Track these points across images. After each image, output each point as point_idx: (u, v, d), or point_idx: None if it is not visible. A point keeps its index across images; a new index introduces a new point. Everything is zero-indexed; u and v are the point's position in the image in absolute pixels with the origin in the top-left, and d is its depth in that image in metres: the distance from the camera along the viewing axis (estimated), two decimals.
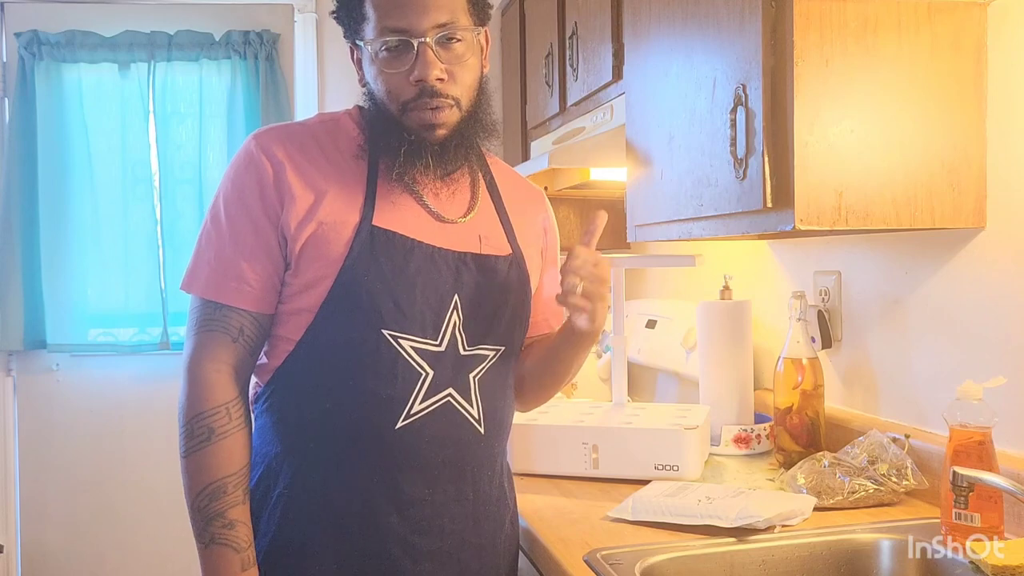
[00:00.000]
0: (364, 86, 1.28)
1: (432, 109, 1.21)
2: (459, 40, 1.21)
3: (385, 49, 1.20)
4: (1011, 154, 1.34)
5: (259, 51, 3.25)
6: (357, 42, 1.26)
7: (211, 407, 1.19)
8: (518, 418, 1.72)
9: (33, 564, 3.31)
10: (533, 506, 1.51)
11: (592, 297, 1.25)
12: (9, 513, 3.28)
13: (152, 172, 3.29)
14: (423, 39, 1.18)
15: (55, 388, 3.30)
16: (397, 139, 1.23)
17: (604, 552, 1.25)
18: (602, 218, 1.28)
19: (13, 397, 3.29)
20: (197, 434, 1.19)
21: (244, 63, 3.26)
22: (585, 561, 1.24)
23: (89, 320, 3.27)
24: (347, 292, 1.19)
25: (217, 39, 3.26)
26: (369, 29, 1.22)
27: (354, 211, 1.21)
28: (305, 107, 3.30)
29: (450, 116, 1.23)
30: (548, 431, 1.69)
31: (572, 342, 1.34)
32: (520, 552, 1.43)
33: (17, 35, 3.19)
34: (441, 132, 1.23)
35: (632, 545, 1.28)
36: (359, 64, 1.29)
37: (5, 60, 3.25)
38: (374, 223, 1.21)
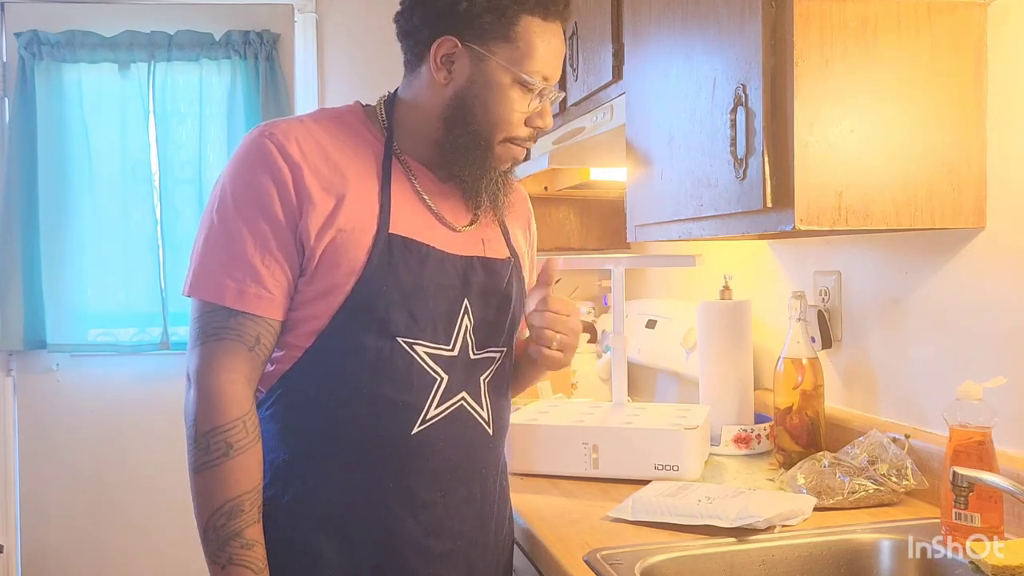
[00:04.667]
0: (448, 86, 1.22)
1: (525, 148, 1.28)
2: None
3: (528, 88, 1.22)
4: (1011, 154, 1.34)
5: (259, 51, 3.25)
6: (476, 46, 1.20)
7: (228, 420, 1.15)
8: (518, 418, 1.72)
9: (33, 564, 3.31)
10: (533, 506, 1.51)
11: (566, 348, 1.30)
12: (9, 513, 3.28)
13: (152, 172, 3.29)
14: (551, 93, 1.25)
15: (55, 388, 3.30)
16: (485, 166, 1.26)
17: (604, 552, 1.25)
18: (555, 263, 1.33)
19: (13, 397, 3.29)
20: (213, 449, 1.14)
21: (244, 63, 3.26)
22: (585, 561, 1.24)
23: (89, 320, 3.27)
24: (363, 301, 1.17)
25: (217, 39, 3.26)
26: (512, 54, 1.20)
27: (371, 217, 1.20)
28: (305, 107, 3.30)
29: None
30: (548, 431, 1.69)
31: (536, 370, 1.40)
32: (520, 552, 1.43)
33: (17, 35, 3.19)
34: (510, 165, 1.30)
35: (632, 545, 1.28)
36: (446, 60, 1.21)
37: (5, 60, 3.25)
38: (391, 230, 1.20)
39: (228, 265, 1.16)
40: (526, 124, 1.24)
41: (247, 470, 1.15)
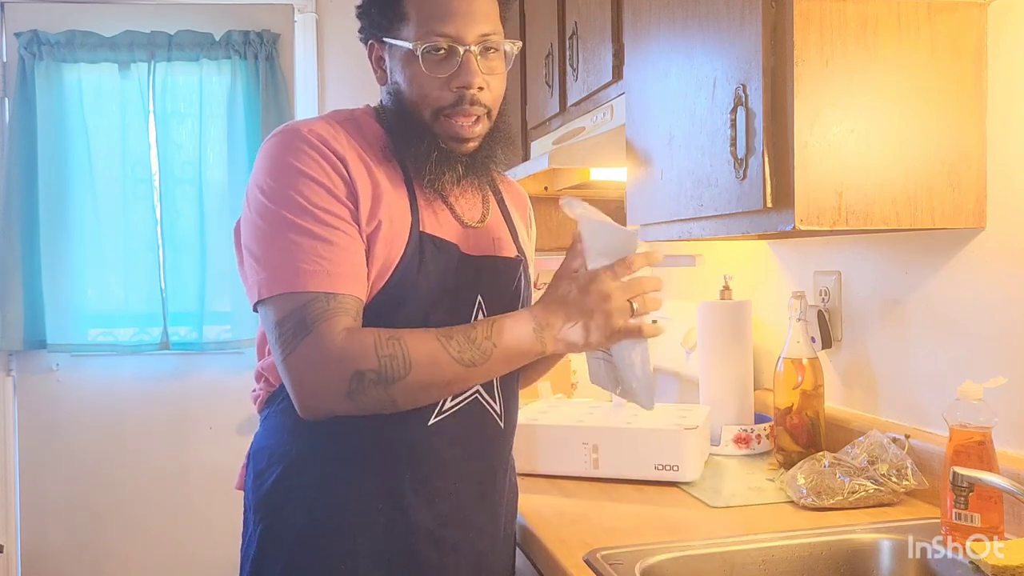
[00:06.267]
0: (385, 85, 1.27)
1: (466, 117, 1.22)
2: (496, 51, 1.24)
3: (428, 53, 1.19)
4: (1011, 154, 1.34)
5: (259, 51, 3.25)
6: (385, 39, 1.23)
7: (373, 336, 1.12)
8: (518, 417, 1.72)
9: (33, 564, 3.31)
10: (533, 506, 1.51)
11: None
12: (9, 513, 3.29)
13: (152, 172, 3.29)
14: (469, 47, 1.20)
15: (55, 388, 3.31)
16: (428, 145, 1.23)
17: (604, 552, 1.25)
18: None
19: (13, 397, 3.30)
20: (394, 352, 1.11)
21: (244, 63, 3.26)
22: (585, 561, 1.24)
23: (89, 320, 3.27)
24: (392, 296, 1.19)
25: (217, 39, 3.26)
26: (409, 31, 1.20)
27: (405, 214, 1.21)
28: (305, 107, 3.30)
29: (481, 128, 1.25)
30: (548, 431, 1.69)
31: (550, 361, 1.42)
32: (520, 552, 1.43)
33: (17, 35, 3.19)
34: (471, 145, 1.25)
35: (632, 545, 1.28)
36: (379, 62, 1.27)
37: (5, 60, 3.25)
38: (422, 229, 1.22)
39: (321, 251, 1.13)
40: (448, 90, 1.21)
41: (416, 330, 1.14)
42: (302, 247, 1.13)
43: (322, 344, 1.11)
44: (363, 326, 1.18)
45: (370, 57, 1.29)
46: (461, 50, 1.19)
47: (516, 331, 1.16)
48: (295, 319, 1.12)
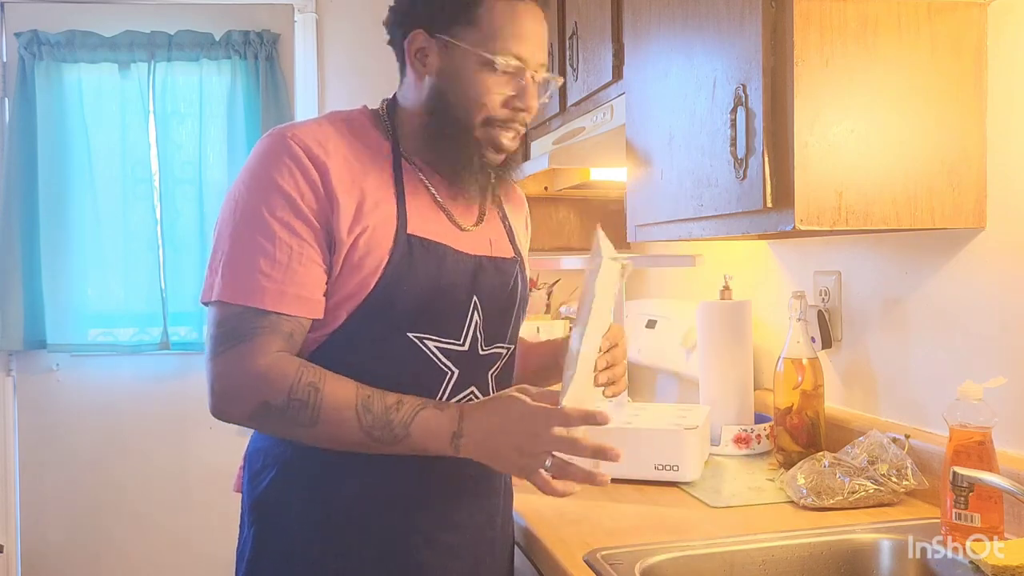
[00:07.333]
0: (422, 79, 1.25)
1: (511, 132, 1.25)
2: (545, 79, 1.27)
3: (503, 68, 1.21)
4: (1011, 154, 1.34)
5: (259, 51, 3.25)
6: (442, 35, 1.22)
7: (294, 375, 1.12)
8: None
9: (33, 564, 3.31)
10: (533, 506, 1.50)
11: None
12: (9, 513, 3.28)
13: (152, 172, 3.29)
14: (533, 73, 1.23)
15: (55, 388, 3.30)
16: (470, 151, 1.24)
17: (604, 552, 1.26)
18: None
19: (13, 397, 3.29)
20: (305, 399, 1.12)
21: (244, 63, 3.26)
22: (585, 561, 1.24)
23: (89, 320, 3.26)
24: (381, 300, 1.18)
25: (217, 39, 3.26)
26: (478, 37, 1.20)
27: (390, 217, 1.21)
28: (305, 107, 3.30)
29: (517, 144, 1.28)
30: None
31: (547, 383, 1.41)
32: (520, 552, 1.43)
33: (17, 35, 3.19)
34: (503, 157, 1.27)
35: (632, 545, 1.28)
36: (419, 54, 1.24)
37: (5, 60, 3.25)
38: (409, 231, 1.21)
39: (264, 267, 1.14)
40: (505, 106, 1.23)
41: (342, 384, 1.14)
42: (254, 262, 1.14)
43: (245, 361, 1.12)
44: (360, 327, 1.18)
45: (406, 47, 1.25)
46: (528, 74, 1.22)
47: (434, 429, 1.13)
48: (228, 326, 1.14)
